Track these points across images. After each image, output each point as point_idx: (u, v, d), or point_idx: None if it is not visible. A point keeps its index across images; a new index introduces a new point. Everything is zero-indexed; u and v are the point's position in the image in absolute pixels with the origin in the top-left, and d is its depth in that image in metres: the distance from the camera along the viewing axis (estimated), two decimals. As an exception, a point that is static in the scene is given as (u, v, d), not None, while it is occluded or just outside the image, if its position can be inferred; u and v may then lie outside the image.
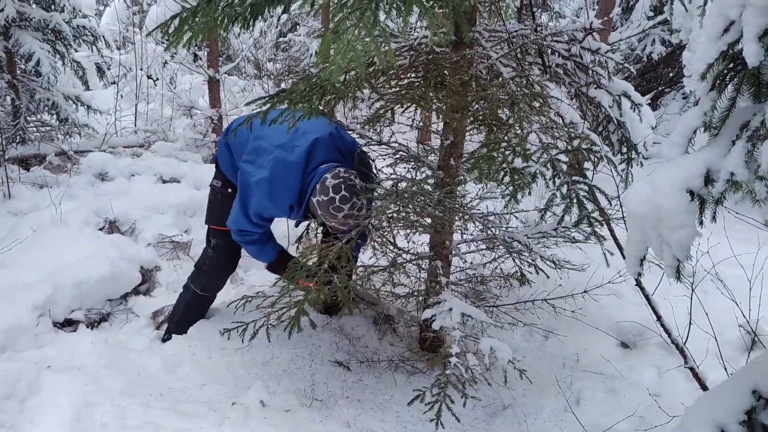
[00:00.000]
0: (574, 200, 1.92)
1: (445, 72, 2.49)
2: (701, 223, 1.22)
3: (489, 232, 2.91)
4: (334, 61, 1.41)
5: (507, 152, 2.04)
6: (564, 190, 2.04)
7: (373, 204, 2.59)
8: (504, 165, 2.03)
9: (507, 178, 2.03)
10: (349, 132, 2.96)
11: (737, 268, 3.08)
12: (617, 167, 2.40)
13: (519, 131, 2.23)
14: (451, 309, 2.47)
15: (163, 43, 8.35)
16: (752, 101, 1.19)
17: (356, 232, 2.45)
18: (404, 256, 2.88)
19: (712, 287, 3.47)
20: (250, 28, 2.23)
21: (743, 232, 3.52)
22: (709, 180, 1.16)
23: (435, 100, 2.56)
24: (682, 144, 1.23)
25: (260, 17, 2.23)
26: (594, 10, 6.25)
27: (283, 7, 2.11)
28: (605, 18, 4.45)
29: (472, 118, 2.66)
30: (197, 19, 2.11)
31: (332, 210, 2.55)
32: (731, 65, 1.16)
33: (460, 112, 2.57)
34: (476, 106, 2.57)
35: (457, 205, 2.64)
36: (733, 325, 3.02)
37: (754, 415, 1.28)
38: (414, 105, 2.72)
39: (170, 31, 2.21)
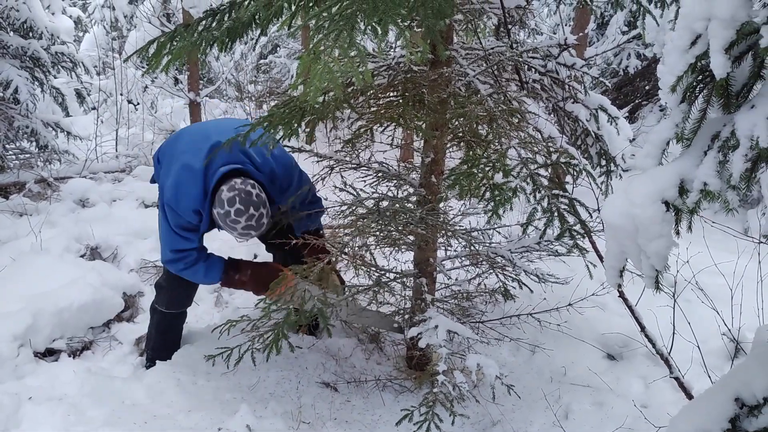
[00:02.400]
0: (555, 214, 1.94)
1: (424, 90, 2.51)
2: (678, 233, 1.23)
3: (473, 248, 2.91)
4: (311, 83, 1.42)
5: (487, 168, 2.05)
6: (545, 203, 2.07)
7: (358, 224, 2.59)
8: (484, 181, 2.05)
9: (488, 194, 2.04)
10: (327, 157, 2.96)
11: (719, 277, 3.12)
12: (596, 180, 2.43)
13: (498, 147, 2.24)
14: (437, 326, 2.47)
15: (142, 67, 8.35)
16: (722, 112, 1.21)
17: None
18: (388, 275, 2.87)
19: (694, 296, 3.50)
20: (230, 51, 2.25)
21: (724, 242, 3.57)
22: (683, 190, 1.18)
23: (414, 119, 2.58)
24: (655, 155, 1.25)
25: (238, 40, 2.25)
26: (569, 26, 6.35)
27: (260, 30, 2.12)
28: (580, 34, 4.53)
29: (451, 135, 2.68)
30: (175, 43, 2.12)
31: (230, 222, 2.54)
32: (700, 77, 1.18)
33: (440, 130, 2.60)
34: (455, 122, 2.59)
35: (439, 222, 2.64)
36: (717, 333, 3.04)
37: (738, 423, 1.29)
38: (394, 124, 2.74)
39: (149, 56, 2.22)
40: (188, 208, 2.62)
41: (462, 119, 2.40)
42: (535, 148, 2.23)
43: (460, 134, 2.61)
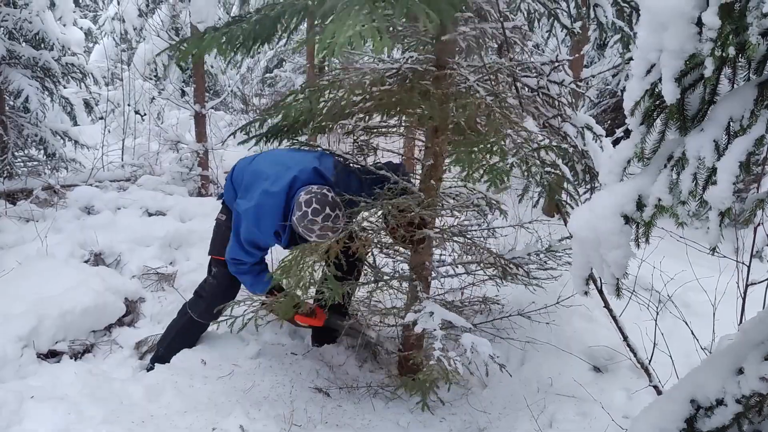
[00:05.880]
0: (546, 186, 2.09)
1: (429, 85, 2.66)
2: (637, 244, 1.33)
3: (467, 242, 3.04)
4: (334, 38, 1.56)
5: (485, 153, 2.20)
6: (538, 178, 2.23)
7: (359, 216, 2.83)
8: (483, 162, 2.19)
9: (486, 176, 2.18)
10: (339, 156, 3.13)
11: (701, 293, 3.21)
12: (581, 197, 2.55)
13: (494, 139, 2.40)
14: (432, 313, 2.58)
15: (150, 79, 8.52)
16: (678, 134, 1.32)
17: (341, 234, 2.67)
18: (384, 276, 3.02)
19: (681, 311, 3.58)
20: (257, 50, 2.43)
21: (707, 259, 3.65)
22: (641, 205, 1.28)
23: (419, 108, 2.73)
24: (617, 172, 1.35)
25: (264, 44, 2.43)
26: (569, 45, 6.49)
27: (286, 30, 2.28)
28: (576, 55, 4.66)
29: (452, 128, 2.83)
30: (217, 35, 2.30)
31: (307, 224, 2.70)
32: (657, 102, 1.29)
33: (440, 135, 2.77)
34: (457, 112, 2.74)
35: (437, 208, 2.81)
36: (699, 347, 3.12)
37: (694, 423, 1.38)
38: (399, 113, 2.91)
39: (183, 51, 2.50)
40: (269, 230, 2.84)
41: (462, 110, 2.53)
42: (531, 136, 2.38)
43: (461, 127, 2.75)
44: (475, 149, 2.19)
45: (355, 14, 1.60)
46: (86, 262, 4.03)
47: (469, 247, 3.19)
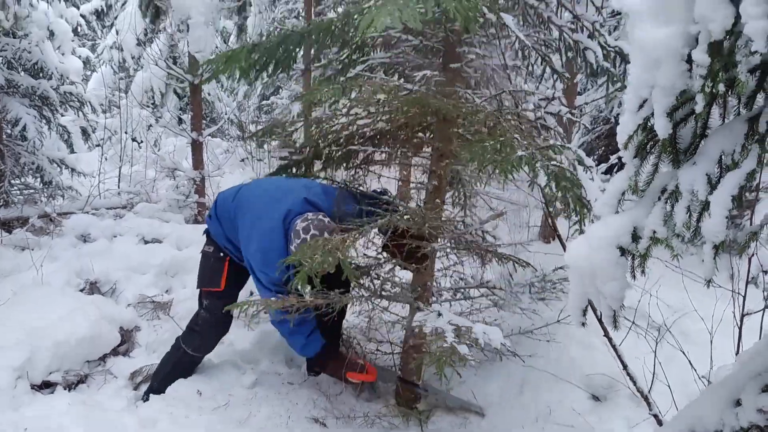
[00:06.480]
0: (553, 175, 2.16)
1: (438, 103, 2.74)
2: (633, 275, 1.35)
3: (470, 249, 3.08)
4: (378, 16, 1.85)
5: (496, 148, 2.27)
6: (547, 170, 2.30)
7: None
8: (495, 156, 2.26)
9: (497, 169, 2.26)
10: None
11: (699, 321, 3.22)
12: (570, 226, 2.59)
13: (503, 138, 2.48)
14: (440, 314, 2.58)
15: (147, 107, 8.57)
16: (672, 167, 1.34)
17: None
18: (387, 289, 3.04)
19: (679, 340, 3.57)
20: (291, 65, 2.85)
21: (705, 289, 3.67)
22: (636, 237, 1.30)
23: (427, 130, 2.84)
24: (612, 204, 1.37)
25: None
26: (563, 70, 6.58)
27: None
28: (569, 84, 4.73)
29: (459, 132, 2.89)
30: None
31: None
32: (650, 136, 1.31)
33: (444, 161, 2.84)
34: (464, 125, 2.82)
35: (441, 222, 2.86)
36: (698, 376, 3.11)
37: (693, 455, 1.38)
38: (405, 140, 3.04)
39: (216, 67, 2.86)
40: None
41: (472, 116, 2.60)
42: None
43: (468, 136, 2.82)
44: (486, 144, 2.28)
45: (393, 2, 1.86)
46: (82, 290, 4.02)
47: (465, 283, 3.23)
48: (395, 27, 1.91)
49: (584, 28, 3.05)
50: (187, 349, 3.13)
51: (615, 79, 3.00)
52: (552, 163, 2.34)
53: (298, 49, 2.90)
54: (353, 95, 2.90)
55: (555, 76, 3.22)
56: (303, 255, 2.38)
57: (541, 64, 3.01)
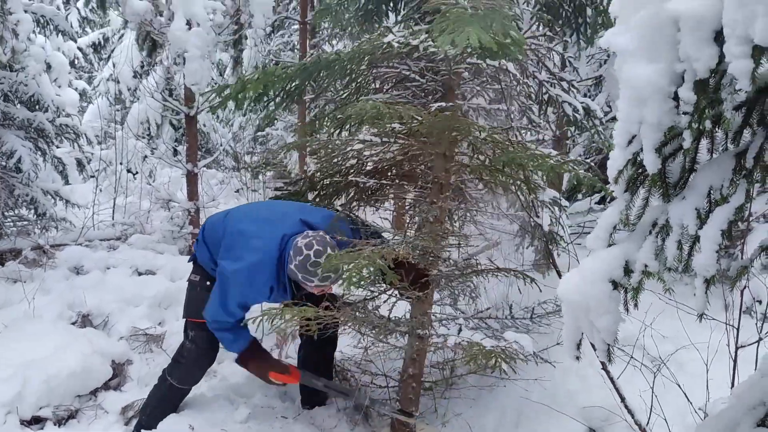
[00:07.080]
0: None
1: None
2: (626, 309, 1.35)
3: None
4: (461, 39, 2.04)
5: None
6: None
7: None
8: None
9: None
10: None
11: (694, 351, 3.21)
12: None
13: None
14: (460, 326, 2.61)
15: (141, 138, 8.61)
16: (662, 200, 1.36)
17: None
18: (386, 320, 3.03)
19: (675, 371, 3.56)
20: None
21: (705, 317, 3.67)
22: (628, 270, 1.31)
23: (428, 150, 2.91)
24: (604, 238, 1.38)
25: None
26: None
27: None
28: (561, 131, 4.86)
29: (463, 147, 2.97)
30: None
31: (310, 267, 2.63)
32: (639, 170, 1.33)
33: (445, 193, 2.90)
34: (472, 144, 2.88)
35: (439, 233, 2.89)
36: (694, 407, 3.09)
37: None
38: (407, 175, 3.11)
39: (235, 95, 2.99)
40: (264, 287, 2.77)
41: (474, 136, 2.66)
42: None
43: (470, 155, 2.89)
44: (521, 154, 2.40)
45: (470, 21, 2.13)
46: (74, 323, 3.98)
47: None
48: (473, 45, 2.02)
49: (561, 85, 3.21)
50: (173, 381, 3.08)
51: (591, 130, 3.20)
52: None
53: (308, 82, 2.95)
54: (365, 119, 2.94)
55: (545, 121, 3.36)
56: (343, 261, 2.36)
57: (521, 117, 3.16)
